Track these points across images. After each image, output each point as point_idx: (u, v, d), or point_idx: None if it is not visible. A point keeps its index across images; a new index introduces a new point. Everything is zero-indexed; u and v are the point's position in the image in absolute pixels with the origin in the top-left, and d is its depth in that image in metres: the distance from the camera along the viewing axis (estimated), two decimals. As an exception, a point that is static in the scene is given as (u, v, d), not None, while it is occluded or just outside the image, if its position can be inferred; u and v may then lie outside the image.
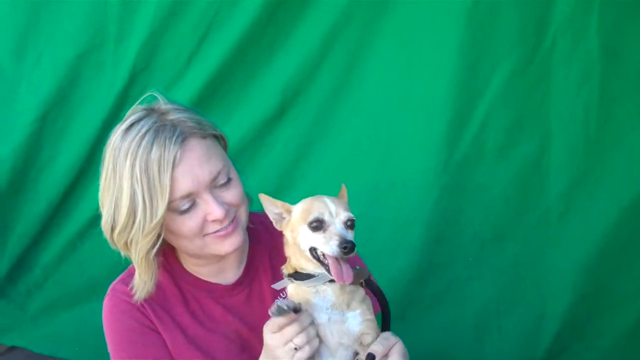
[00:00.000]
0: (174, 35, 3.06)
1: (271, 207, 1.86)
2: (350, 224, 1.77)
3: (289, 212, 1.84)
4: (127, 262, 1.94)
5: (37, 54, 3.06)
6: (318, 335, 1.75)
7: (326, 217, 1.75)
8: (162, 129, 1.78)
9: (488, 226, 3.06)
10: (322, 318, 1.78)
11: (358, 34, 3.03)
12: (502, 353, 3.07)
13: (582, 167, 2.95)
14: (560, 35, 2.87)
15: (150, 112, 1.84)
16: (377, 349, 1.72)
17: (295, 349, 1.69)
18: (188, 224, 1.82)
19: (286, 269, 1.88)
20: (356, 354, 1.80)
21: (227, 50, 3.04)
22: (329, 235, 1.73)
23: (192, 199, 1.81)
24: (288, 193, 3.16)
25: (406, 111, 3.04)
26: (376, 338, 1.78)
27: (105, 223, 1.83)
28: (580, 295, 2.99)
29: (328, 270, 1.74)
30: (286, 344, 1.69)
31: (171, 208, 1.78)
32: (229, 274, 2.06)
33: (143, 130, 1.77)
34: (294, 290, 1.85)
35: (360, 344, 1.79)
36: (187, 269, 2.05)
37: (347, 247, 1.68)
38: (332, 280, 1.76)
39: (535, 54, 2.91)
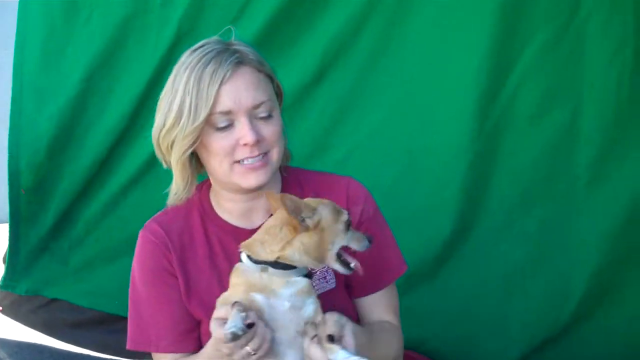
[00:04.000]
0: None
1: (295, 208, 1.77)
2: None
3: (313, 211, 1.79)
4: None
5: (87, 14, 3.16)
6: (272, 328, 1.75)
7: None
8: (224, 51, 1.94)
9: (516, 191, 3.14)
10: (283, 306, 1.77)
11: (396, 3, 3.10)
12: (528, 314, 3.15)
13: (611, 137, 3.01)
14: (595, 7, 2.94)
15: (220, 40, 2.01)
16: (334, 330, 1.74)
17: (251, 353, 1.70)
18: (221, 142, 1.94)
19: (264, 255, 1.80)
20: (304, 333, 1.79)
21: (269, 16, 3.12)
22: (354, 234, 1.83)
23: (230, 118, 1.93)
24: (324, 156, 3.25)
25: (442, 78, 3.12)
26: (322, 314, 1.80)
27: (156, 127, 1.99)
28: (606, 262, 3.06)
29: (346, 266, 1.82)
30: (242, 349, 1.69)
31: (210, 122, 1.91)
32: (256, 218, 2.11)
33: (207, 50, 1.93)
34: (259, 280, 1.78)
35: (311, 322, 1.77)
36: (218, 212, 2.14)
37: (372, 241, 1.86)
38: (306, 275, 1.82)
39: (569, 25, 2.98)
